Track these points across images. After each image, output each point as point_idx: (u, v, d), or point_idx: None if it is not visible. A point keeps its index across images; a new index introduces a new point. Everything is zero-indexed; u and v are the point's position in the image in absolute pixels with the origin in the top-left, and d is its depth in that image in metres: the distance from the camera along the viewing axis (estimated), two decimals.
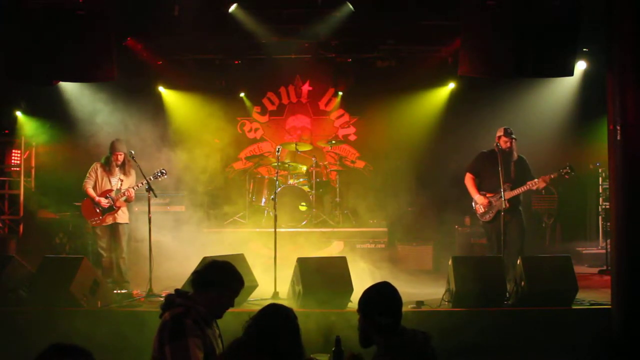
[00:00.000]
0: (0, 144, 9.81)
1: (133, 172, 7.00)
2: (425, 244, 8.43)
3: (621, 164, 5.25)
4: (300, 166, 9.20)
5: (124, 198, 6.83)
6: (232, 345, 2.68)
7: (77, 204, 8.31)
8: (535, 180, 6.57)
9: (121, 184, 6.88)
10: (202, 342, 2.94)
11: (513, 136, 6.64)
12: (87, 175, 6.92)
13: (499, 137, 6.66)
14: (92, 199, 6.81)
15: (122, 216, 6.91)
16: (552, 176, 6.59)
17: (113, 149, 6.88)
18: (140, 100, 9.11)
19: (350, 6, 7.70)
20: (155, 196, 6.66)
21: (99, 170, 6.92)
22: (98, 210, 6.80)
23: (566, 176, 6.52)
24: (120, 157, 6.89)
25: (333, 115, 10.55)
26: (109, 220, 6.85)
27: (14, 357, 4.90)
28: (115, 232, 6.90)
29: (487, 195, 6.71)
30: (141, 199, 7.16)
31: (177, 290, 3.18)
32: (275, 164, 7.96)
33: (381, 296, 2.92)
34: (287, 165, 9.10)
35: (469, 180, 6.91)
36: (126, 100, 8.87)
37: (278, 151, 7.72)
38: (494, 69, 5.73)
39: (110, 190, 6.84)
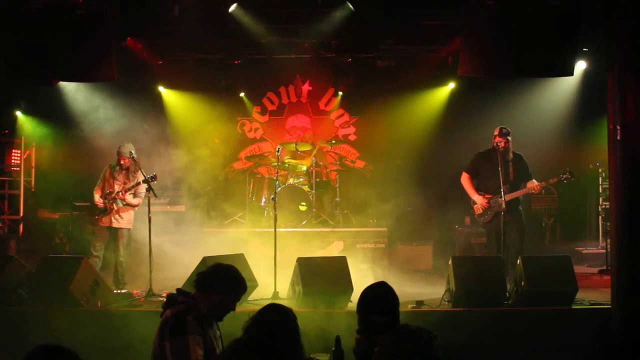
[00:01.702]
0: (0, 143, 9.81)
1: (139, 177, 6.97)
2: (425, 244, 8.43)
3: (621, 164, 5.25)
4: (300, 166, 9.20)
5: (121, 202, 6.84)
6: (232, 345, 2.68)
7: (77, 204, 8.33)
8: (534, 184, 6.56)
9: (123, 188, 6.89)
10: (202, 340, 2.94)
11: (508, 137, 6.62)
12: (100, 177, 7.03)
13: (495, 136, 6.66)
14: (93, 200, 6.87)
15: (121, 221, 6.91)
16: (552, 181, 6.59)
17: (118, 154, 6.91)
18: (140, 100, 9.11)
19: (350, 6, 7.70)
20: (156, 196, 6.66)
21: (107, 174, 6.97)
22: (96, 211, 6.86)
23: (565, 181, 6.52)
24: (124, 163, 6.89)
25: (333, 115, 10.55)
26: (105, 222, 6.87)
27: (13, 357, 4.89)
28: (114, 236, 6.92)
29: (486, 196, 6.71)
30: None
31: (179, 290, 3.19)
32: (275, 163, 7.96)
33: (375, 296, 2.96)
34: (287, 165, 9.10)
35: (466, 179, 6.91)
36: (126, 100, 8.89)
37: (278, 151, 7.72)
38: (494, 69, 5.73)
39: (111, 193, 6.86)
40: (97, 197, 6.87)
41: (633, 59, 5.17)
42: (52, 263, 5.88)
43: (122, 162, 6.89)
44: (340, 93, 10.32)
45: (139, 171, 6.89)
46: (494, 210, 6.61)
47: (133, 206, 6.95)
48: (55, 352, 2.10)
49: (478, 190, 6.81)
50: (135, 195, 6.90)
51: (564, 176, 6.49)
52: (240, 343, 2.65)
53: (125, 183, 6.91)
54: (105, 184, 6.94)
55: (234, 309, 3.22)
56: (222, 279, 3.17)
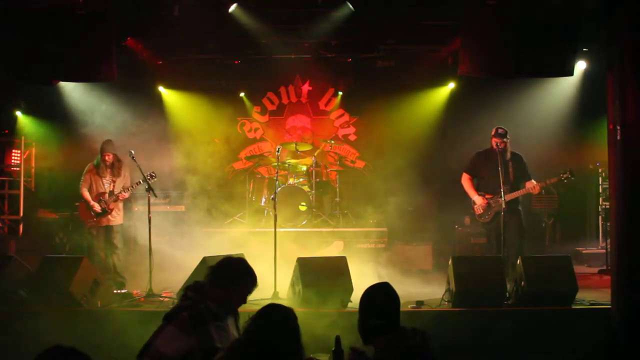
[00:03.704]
0: (0, 144, 9.80)
1: (125, 173, 7.02)
2: (425, 244, 8.41)
3: (621, 164, 5.26)
4: (300, 166, 9.20)
5: (114, 200, 6.88)
6: (232, 345, 2.68)
7: (77, 204, 8.32)
8: (533, 184, 6.55)
9: (113, 186, 6.94)
10: (196, 339, 2.93)
11: (505, 138, 6.58)
12: (82, 177, 7.01)
13: (491, 137, 6.65)
14: (87, 202, 6.86)
15: (117, 218, 6.99)
16: (551, 181, 6.58)
17: (101, 150, 6.93)
18: (140, 100, 9.11)
19: (350, 6, 7.69)
20: (155, 196, 6.67)
21: (92, 173, 6.97)
22: (92, 213, 6.86)
23: (565, 181, 6.51)
24: (109, 158, 6.92)
25: (333, 115, 10.55)
26: (104, 222, 6.93)
27: (13, 357, 4.90)
28: (109, 233, 6.96)
29: (486, 196, 6.70)
30: (141, 199, 7.17)
31: (196, 282, 3.21)
32: (275, 164, 7.96)
33: (373, 298, 2.96)
34: (287, 165, 9.10)
35: (466, 180, 6.91)
36: (126, 100, 8.88)
37: (278, 151, 7.72)
38: (494, 69, 5.73)
39: (103, 193, 6.89)
40: (91, 200, 6.87)
41: (633, 59, 5.17)
42: (52, 263, 5.88)
43: (106, 158, 6.90)
44: (340, 93, 10.32)
45: (124, 167, 6.94)
46: (494, 210, 6.61)
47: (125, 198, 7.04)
48: (69, 354, 2.08)
49: (478, 190, 6.81)
50: (126, 190, 6.96)
51: (564, 176, 6.48)
52: (240, 343, 2.65)
53: (113, 181, 6.95)
54: (93, 185, 6.94)
55: (244, 302, 3.21)
56: (229, 273, 3.16)
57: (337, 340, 3.22)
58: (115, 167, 6.97)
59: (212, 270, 3.20)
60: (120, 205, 7.08)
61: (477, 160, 6.89)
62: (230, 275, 3.15)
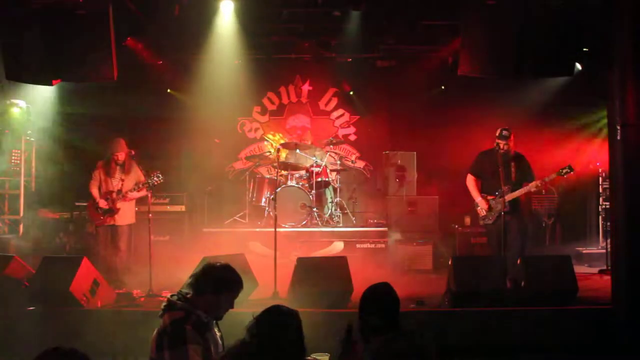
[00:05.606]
0: (0, 143, 9.79)
1: (134, 171, 7.00)
2: (425, 244, 8.41)
3: (621, 164, 5.26)
4: (300, 166, 9.20)
5: (121, 199, 6.87)
6: (233, 345, 2.67)
7: (77, 203, 8.33)
8: (534, 183, 6.52)
9: (122, 184, 6.90)
10: (202, 349, 2.92)
11: (508, 140, 6.50)
12: (92, 176, 6.99)
13: (495, 137, 6.63)
14: (94, 200, 6.85)
15: (124, 217, 6.94)
16: (551, 176, 6.54)
17: (111, 149, 6.91)
18: (140, 100, 9.11)
19: (351, 7, 7.69)
20: (156, 196, 6.65)
21: (101, 171, 6.95)
22: (100, 211, 6.85)
23: (565, 175, 6.48)
24: (120, 157, 6.89)
25: (333, 115, 10.55)
26: (111, 221, 6.89)
27: (13, 357, 4.90)
28: (114, 233, 6.93)
29: (488, 197, 6.68)
30: (141, 199, 7.16)
31: (178, 293, 3.16)
32: (275, 163, 7.96)
33: (372, 297, 2.95)
34: (287, 165, 9.10)
35: (470, 182, 6.87)
36: (126, 100, 8.87)
37: (278, 151, 7.72)
38: (494, 69, 5.74)
39: (112, 192, 6.86)
40: (98, 197, 6.85)
41: (633, 59, 5.17)
42: (52, 263, 5.87)
43: (118, 157, 6.88)
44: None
45: (134, 165, 6.92)
46: (497, 211, 6.58)
47: (136, 198, 6.98)
48: (69, 355, 2.08)
49: (481, 191, 6.78)
50: (137, 190, 6.93)
51: (564, 170, 6.44)
52: (241, 344, 2.65)
53: (122, 179, 6.92)
54: (102, 183, 6.92)
55: (231, 307, 3.17)
56: (214, 280, 3.10)
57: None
58: (126, 166, 6.94)
59: (197, 278, 3.12)
60: (128, 206, 7.01)
61: (480, 161, 6.85)
62: (217, 282, 3.09)
